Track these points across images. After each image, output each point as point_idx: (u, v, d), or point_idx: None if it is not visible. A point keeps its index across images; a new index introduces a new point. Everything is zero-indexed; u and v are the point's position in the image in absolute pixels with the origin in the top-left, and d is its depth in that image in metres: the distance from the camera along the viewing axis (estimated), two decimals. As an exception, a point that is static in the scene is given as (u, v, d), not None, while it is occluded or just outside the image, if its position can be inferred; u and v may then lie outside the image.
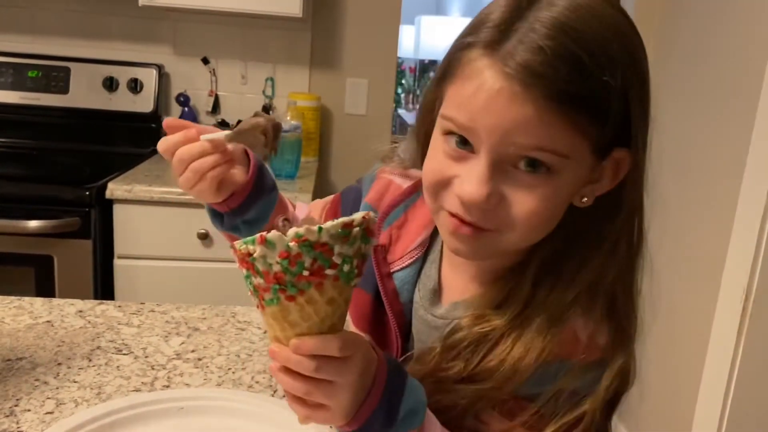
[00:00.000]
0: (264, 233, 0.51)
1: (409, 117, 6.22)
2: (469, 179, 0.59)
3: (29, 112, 2.28)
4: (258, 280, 0.52)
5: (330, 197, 0.92)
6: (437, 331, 0.71)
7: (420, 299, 0.74)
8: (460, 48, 0.60)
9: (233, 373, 0.90)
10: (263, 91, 2.45)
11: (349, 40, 2.46)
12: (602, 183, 0.63)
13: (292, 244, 0.50)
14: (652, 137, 0.64)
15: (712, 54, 1.93)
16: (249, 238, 0.52)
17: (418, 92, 6.91)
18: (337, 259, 0.52)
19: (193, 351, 0.95)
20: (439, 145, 0.63)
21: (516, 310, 0.65)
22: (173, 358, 0.93)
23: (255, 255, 0.51)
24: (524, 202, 0.59)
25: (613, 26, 0.58)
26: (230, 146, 0.74)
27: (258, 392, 0.85)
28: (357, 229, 0.52)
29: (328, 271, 0.52)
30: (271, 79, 2.45)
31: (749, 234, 1.69)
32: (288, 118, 2.14)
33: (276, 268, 0.51)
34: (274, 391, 0.86)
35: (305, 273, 0.51)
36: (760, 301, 1.70)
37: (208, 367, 0.91)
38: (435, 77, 0.66)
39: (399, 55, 2.44)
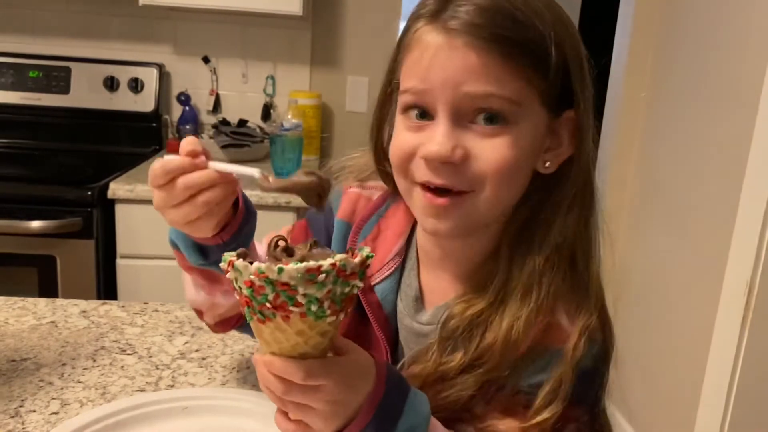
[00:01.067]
0: (233, 258, 0.51)
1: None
2: (432, 139, 0.62)
3: (30, 112, 2.28)
4: (236, 295, 0.54)
5: (287, 227, 0.88)
6: (426, 338, 0.71)
7: (404, 308, 0.74)
8: (406, 29, 0.66)
9: (238, 372, 0.90)
10: (264, 90, 2.45)
11: (349, 38, 2.45)
12: (563, 148, 0.66)
13: (253, 277, 0.50)
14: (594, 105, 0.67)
15: (715, 49, 1.93)
16: (225, 256, 0.52)
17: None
18: (301, 299, 0.50)
19: (197, 350, 0.95)
20: (400, 125, 0.67)
21: (497, 287, 0.67)
22: (177, 358, 0.93)
23: (228, 275, 0.52)
24: (489, 152, 0.62)
25: None
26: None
27: (262, 391, 0.85)
28: (324, 275, 0.50)
29: (293, 308, 0.51)
30: (272, 78, 2.45)
31: (752, 227, 1.69)
32: (289, 116, 2.14)
33: (245, 292, 0.51)
34: (279, 390, 0.86)
35: (268, 305, 0.51)
36: (764, 293, 1.70)
37: (212, 366, 0.91)
38: (388, 67, 0.70)
39: (399, 52, 2.44)
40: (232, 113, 2.44)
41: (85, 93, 2.30)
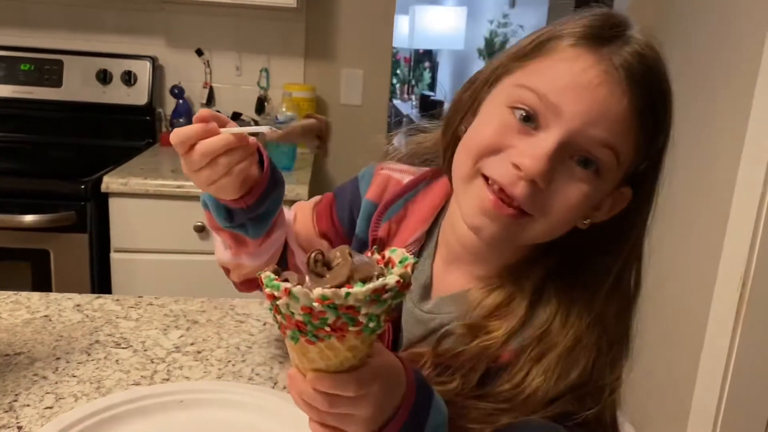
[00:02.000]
0: (289, 286, 0.48)
1: (405, 107, 6.20)
2: (533, 151, 0.60)
3: (22, 105, 2.26)
4: (280, 318, 0.51)
5: (316, 198, 0.90)
6: (423, 324, 0.73)
7: (410, 293, 0.74)
8: (553, 34, 0.63)
9: (233, 365, 0.90)
10: (258, 83, 2.44)
11: (343, 31, 2.44)
12: (601, 212, 0.66)
13: (316, 303, 0.48)
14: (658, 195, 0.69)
15: (709, 44, 1.93)
16: (274, 282, 0.49)
17: (413, 82, 6.90)
18: (362, 318, 0.49)
19: (192, 344, 0.95)
20: (497, 115, 0.64)
21: (516, 326, 0.66)
22: (172, 351, 0.92)
23: (278, 301, 0.49)
24: (569, 193, 0.61)
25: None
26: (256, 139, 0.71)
27: (258, 384, 0.85)
28: (389, 293, 0.49)
29: (352, 328, 0.50)
30: (266, 70, 2.44)
31: (746, 221, 1.70)
32: (283, 109, 2.13)
33: (298, 317, 0.49)
34: (275, 383, 0.86)
35: (327, 329, 0.49)
36: (757, 287, 1.71)
37: (207, 359, 0.91)
38: (509, 54, 0.66)
39: (393, 45, 2.44)
40: (225, 106, 2.43)
41: (77, 86, 2.28)
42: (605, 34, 0.60)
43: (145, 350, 0.92)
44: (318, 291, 0.47)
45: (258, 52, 2.43)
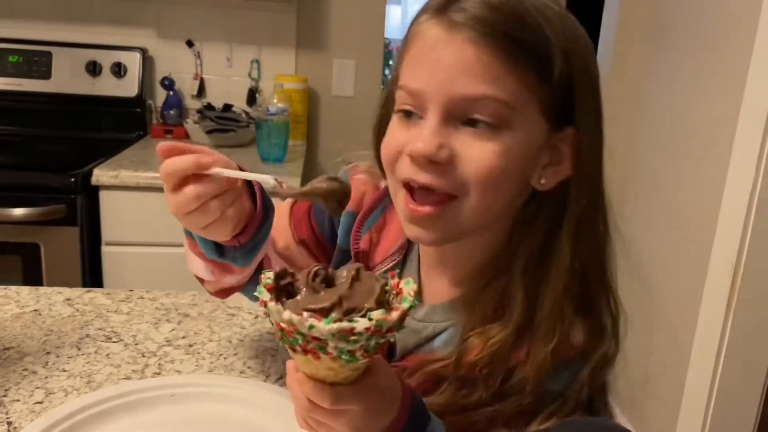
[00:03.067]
0: (266, 299, 0.49)
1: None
2: (419, 136, 0.60)
3: (11, 98, 2.24)
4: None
5: (290, 200, 0.87)
6: (415, 333, 0.71)
7: None
8: (411, 24, 0.63)
9: (225, 359, 0.89)
10: (249, 74, 2.43)
11: (335, 21, 2.43)
12: (562, 167, 0.63)
13: (284, 324, 0.48)
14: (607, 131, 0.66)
15: (700, 36, 1.93)
16: (261, 289, 0.50)
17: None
18: (332, 350, 0.48)
19: (183, 337, 0.95)
20: (393, 121, 0.65)
21: (519, 319, 0.64)
22: (164, 345, 0.92)
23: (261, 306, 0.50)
24: (477, 157, 0.59)
25: (556, 6, 0.61)
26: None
27: (250, 378, 0.85)
28: (357, 336, 0.47)
29: (323, 355, 0.49)
30: (257, 62, 2.42)
31: (737, 210, 1.70)
32: (275, 100, 2.12)
33: (276, 329, 0.50)
34: (266, 377, 0.85)
35: (298, 348, 0.50)
36: (748, 276, 1.71)
37: (199, 353, 0.90)
38: (395, 63, 0.68)
39: (386, 35, 2.43)
40: (216, 98, 2.41)
41: (66, 78, 2.26)
42: None
43: (136, 344, 0.92)
44: (286, 314, 0.47)
45: (249, 42, 2.41)
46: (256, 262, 0.77)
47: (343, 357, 0.49)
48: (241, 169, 0.67)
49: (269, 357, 0.90)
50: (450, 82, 0.58)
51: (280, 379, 0.84)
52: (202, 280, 0.82)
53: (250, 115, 2.29)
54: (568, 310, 0.63)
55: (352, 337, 0.47)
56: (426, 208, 0.61)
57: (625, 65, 2.33)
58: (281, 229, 0.84)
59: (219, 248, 0.72)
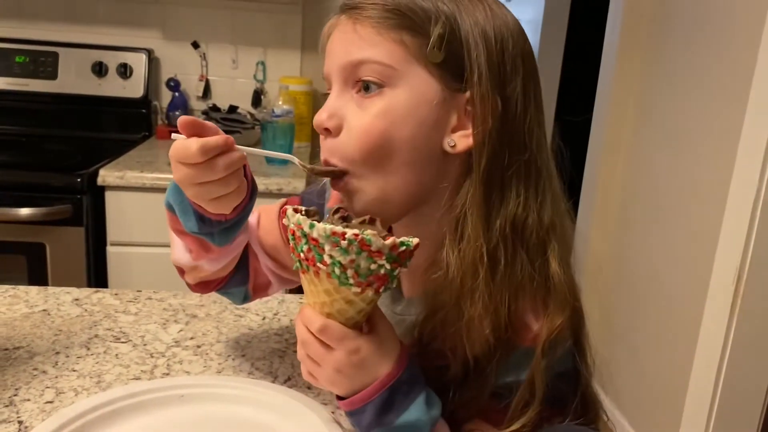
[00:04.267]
0: (289, 208, 0.58)
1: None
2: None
3: (17, 98, 2.25)
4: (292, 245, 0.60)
5: (282, 201, 0.87)
6: (398, 326, 0.71)
7: (383, 295, 0.74)
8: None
9: (233, 360, 0.90)
10: (254, 76, 2.43)
11: (340, 23, 2.43)
12: (461, 129, 0.63)
13: (293, 226, 0.57)
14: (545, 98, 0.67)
15: (706, 35, 1.93)
16: (290, 211, 0.58)
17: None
18: (327, 259, 0.55)
19: (191, 338, 0.95)
20: None
21: (451, 284, 0.63)
22: (172, 346, 0.92)
23: (284, 221, 0.60)
24: (358, 120, 0.63)
25: None
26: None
27: (258, 378, 0.85)
28: (347, 242, 0.54)
29: (320, 265, 0.56)
30: (263, 63, 2.43)
31: (742, 214, 1.70)
32: (280, 102, 2.13)
33: (289, 238, 0.58)
34: (275, 378, 0.86)
35: (302, 255, 0.57)
36: (752, 281, 1.71)
37: (207, 354, 0.91)
38: None
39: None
40: (222, 99, 2.42)
41: (73, 79, 2.27)
42: None
43: (145, 345, 0.92)
44: (296, 217, 0.56)
45: (254, 44, 2.42)
46: (233, 244, 0.78)
47: (336, 271, 0.55)
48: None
49: (277, 358, 0.90)
50: (340, 55, 0.64)
51: (289, 380, 0.85)
52: (182, 272, 0.85)
53: (256, 117, 2.30)
54: (487, 274, 0.62)
55: (343, 242, 0.54)
56: (336, 184, 0.66)
57: (630, 63, 2.33)
58: (270, 229, 0.85)
59: (200, 222, 0.71)
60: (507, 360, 0.64)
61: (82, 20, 2.34)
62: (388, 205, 0.65)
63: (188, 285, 0.86)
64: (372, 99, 0.62)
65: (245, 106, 2.41)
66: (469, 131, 0.63)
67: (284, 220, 0.59)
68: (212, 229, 0.73)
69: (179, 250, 0.83)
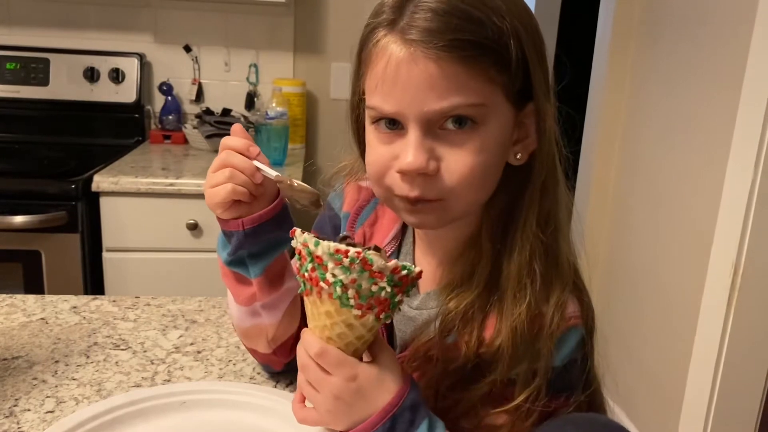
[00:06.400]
0: (297, 229, 0.60)
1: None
2: (406, 153, 0.61)
3: (9, 105, 2.24)
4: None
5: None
6: (412, 321, 0.73)
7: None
8: (366, 36, 0.64)
9: (234, 365, 0.89)
10: (247, 78, 2.43)
11: (332, 24, 2.43)
12: (530, 139, 0.66)
13: (300, 245, 0.58)
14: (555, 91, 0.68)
15: (698, 35, 1.93)
16: (297, 232, 0.60)
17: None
18: (329, 277, 0.56)
19: (192, 344, 0.95)
20: (372, 136, 0.66)
21: (484, 278, 0.67)
22: (172, 352, 0.92)
23: (293, 242, 0.60)
24: (458, 160, 0.62)
25: None
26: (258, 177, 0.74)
27: (260, 384, 0.85)
28: (349, 261, 0.55)
29: (323, 284, 0.57)
30: (255, 66, 2.42)
31: (737, 209, 1.71)
32: (273, 104, 2.12)
33: (296, 258, 0.60)
34: (276, 383, 0.85)
35: (306, 275, 0.59)
36: (749, 275, 1.72)
37: (208, 359, 0.90)
38: (353, 73, 0.70)
39: (383, 38, 2.43)
40: (215, 102, 2.41)
41: (64, 84, 2.26)
42: (398, 4, 0.61)
43: (145, 351, 0.92)
44: (298, 232, 0.58)
45: (247, 47, 2.41)
46: (280, 288, 0.78)
47: (338, 291, 0.56)
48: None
49: (278, 362, 0.90)
50: (421, 100, 0.60)
51: (290, 384, 0.85)
52: (256, 352, 0.84)
53: (249, 120, 2.29)
54: (536, 275, 0.65)
55: (345, 260, 0.55)
56: (419, 207, 0.64)
57: (623, 59, 2.33)
58: None
59: (228, 241, 0.75)
60: (526, 350, 0.65)
61: (73, 26, 2.33)
62: (461, 216, 0.67)
63: (272, 362, 0.85)
64: (467, 135, 0.61)
65: (238, 108, 2.41)
66: (528, 141, 0.66)
67: (293, 242, 0.59)
68: (240, 249, 0.74)
69: (236, 313, 0.80)
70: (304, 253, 0.58)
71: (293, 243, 0.60)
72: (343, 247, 0.55)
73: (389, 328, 0.77)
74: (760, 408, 1.84)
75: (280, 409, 0.76)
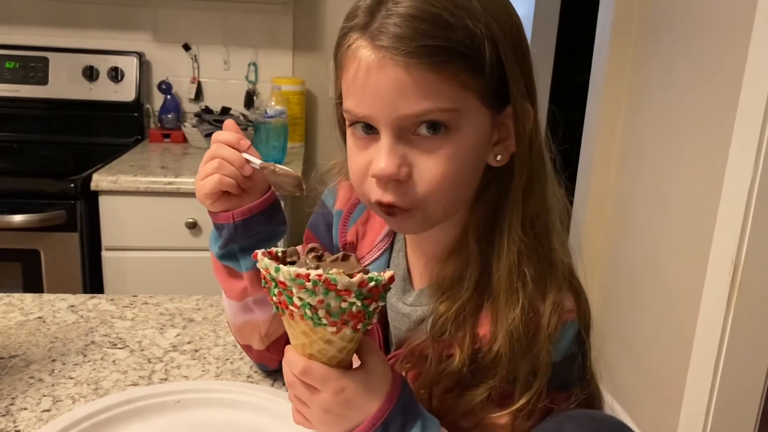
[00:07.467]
0: (260, 251, 0.57)
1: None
2: (378, 157, 0.61)
3: (8, 104, 2.24)
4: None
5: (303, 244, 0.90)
6: (406, 318, 0.73)
7: (392, 288, 0.74)
8: (340, 39, 0.63)
9: (231, 363, 0.89)
10: (246, 77, 2.43)
11: (331, 22, 2.43)
12: (511, 140, 0.65)
13: (263, 271, 0.55)
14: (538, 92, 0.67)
15: (698, 32, 1.93)
16: (260, 255, 0.57)
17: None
18: (297, 301, 0.53)
19: (189, 342, 0.95)
20: (350, 141, 0.66)
21: (473, 281, 0.66)
22: (169, 351, 0.92)
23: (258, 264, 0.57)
24: (430, 167, 0.61)
25: None
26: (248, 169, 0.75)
27: (257, 382, 0.85)
28: (312, 284, 0.52)
29: (292, 308, 0.54)
30: (254, 64, 2.42)
31: (737, 206, 1.71)
32: (272, 103, 2.12)
33: (263, 278, 0.57)
34: (273, 381, 0.85)
35: (275, 299, 0.56)
36: (749, 272, 1.72)
37: (205, 358, 0.90)
38: (334, 80, 0.68)
39: (382, 36, 2.43)
40: (214, 101, 2.41)
41: (63, 83, 2.26)
42: (371, 9, 0.60)
43: (142, 350, 0.92)
44: (264, 261, 0.55)
45: (246, 45, 2.41)
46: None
47: (308, 313, 0.53)
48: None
49: (275, 361, 0.90)
50: (392, 106, 0.59)
51: (287, 383, 0.84)
52: (250, 348, 0.85)
53: (248, 118, 2.29)
54: (527, 278, 0.64)
55: (308, 284, 0.52)
56: (399, 217, 0.64)
57: (622, 62, 2.33)
58: None
59: (219, 234, 0.77)
60: (521, 352, 0.64)
61: (71, 24, 2.33)
62: (442, 219, 0.66)
63: (267, 359, 0.85)
64: (440, 141, 0.60)
65: (238, 107, 2.40)
66: (509, 142, 0.65)
67: (258, 264, 0.56)
68: (231, 242, 0.75)
69: (229, 309, 0.81)
70: (268, 277, 0.55)
71: (258, 265, 0.57)
72: (303, 271, 0.52)
73: (384, 325, 0.77)
74: (760, 404, 1.84)
75: (277, 408, 0.76)
